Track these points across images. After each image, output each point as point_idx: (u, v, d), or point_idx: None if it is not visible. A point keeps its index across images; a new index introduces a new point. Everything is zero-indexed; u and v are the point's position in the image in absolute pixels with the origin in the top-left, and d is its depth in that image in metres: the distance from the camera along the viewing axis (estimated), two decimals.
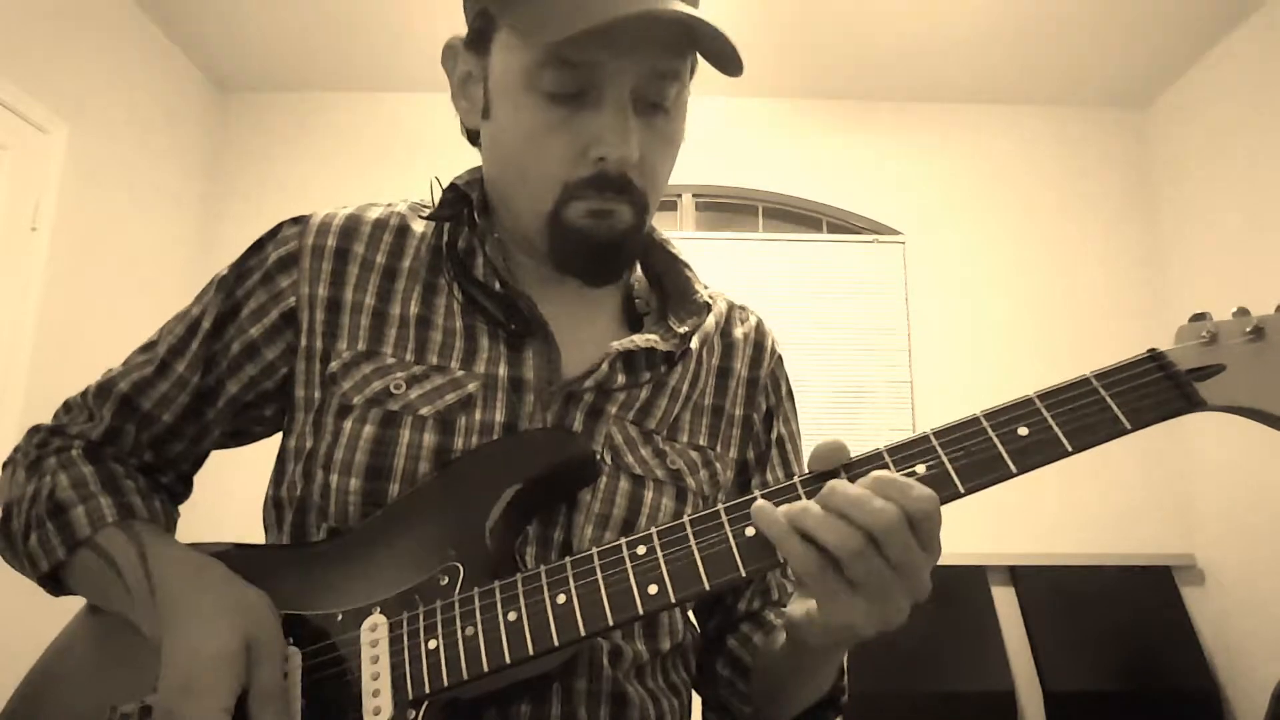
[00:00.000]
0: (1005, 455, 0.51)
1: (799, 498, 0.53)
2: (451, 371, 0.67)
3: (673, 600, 0.52)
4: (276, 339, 0.70)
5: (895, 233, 3.28)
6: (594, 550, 0.55)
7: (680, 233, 3.28)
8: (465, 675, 0.54)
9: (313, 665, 0.59)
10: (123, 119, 2.79)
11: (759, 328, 0.81)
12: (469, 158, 0.76)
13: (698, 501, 0.71)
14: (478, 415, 0.65)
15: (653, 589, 0.53)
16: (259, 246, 0.73)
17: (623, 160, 0.62)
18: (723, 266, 3.15)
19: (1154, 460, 3.00)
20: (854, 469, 0.53)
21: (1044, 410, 0.52)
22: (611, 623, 0.53)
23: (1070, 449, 0.51)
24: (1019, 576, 2.92)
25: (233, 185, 3.25)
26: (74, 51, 2.55)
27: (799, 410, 0.84)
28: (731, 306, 0.82)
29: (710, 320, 0.76)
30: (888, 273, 3.23)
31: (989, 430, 0.52)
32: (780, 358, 0.82)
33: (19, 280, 2.36)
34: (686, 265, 0.78)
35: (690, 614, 0.78)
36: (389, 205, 0.76)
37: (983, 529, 2.69)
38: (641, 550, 0.54)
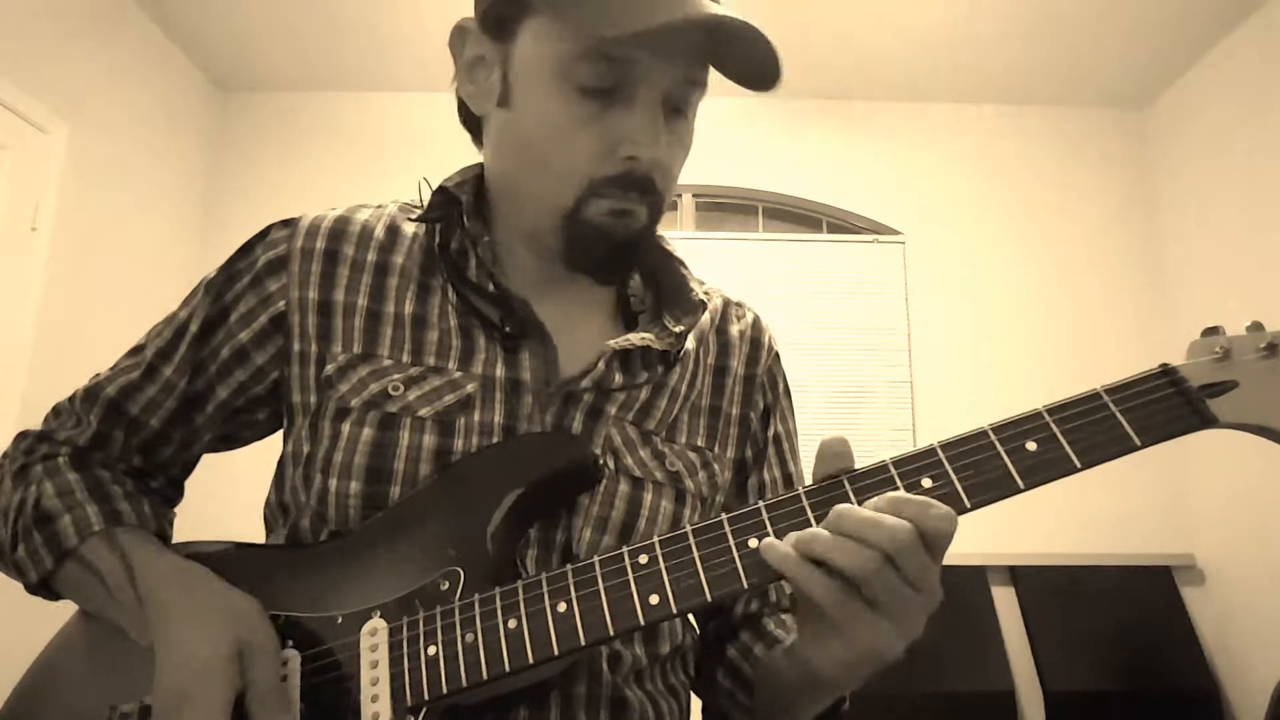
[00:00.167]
0: (1013, 471, 0.51)
1: (803, 510, 0.52)
2: (449, 372, 0.66)
3: (674, 611, 0.52)
4: (266, 344, 0.70)
5: (895, 233, 3.28)
6: (596, 559, 0.55)
7: (680, 233, 3.28)
8: (465, 683, 0.54)
9: (312, 669, 0.58)
10: (123, 119, 2.78)
11: (755, 324, 0.81)
12: (469, 158, 0.75)
13: (696, 503, 0.70)
14: (477, 416, 0.65)
15: (654, 599, 0.52)
16: (247, 249, 0.72)
17: (653, 161, 0.62)
18: (723, 266, 3.15)
19: (1154, 460, 2.98)
20: (859, 481, 0.52)
21: (1053, 425, 0.51)
22: (612, 632, 0.52)
23: (1079, 465, 0.50)
24: (1019, 576, 2.92)
25: (233, 185, 3.25)
26: (74, 51, 2.55)
27: (799, 410, 0.83)
28: (727, 303, 0.81)
29: (705, 318, 0.76)
30: (888, 273, 3.23)
31: (997, 445, 0.51)
32: (777, 354, 0.81)
33: (19, 280, 2.36)
34: (682, 263, 0.77)
35: (690, 616, 0.77)
36: (379, 206, 0.75)
37: (983, 529, 2.68)
38: (643, 559, 0.54)
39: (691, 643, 0.75)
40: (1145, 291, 3.20)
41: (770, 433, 0.79)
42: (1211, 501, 2.91)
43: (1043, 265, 3.23)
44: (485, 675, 0.53)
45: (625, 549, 0.55)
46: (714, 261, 3.14)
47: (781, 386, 0.81)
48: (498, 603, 0.55)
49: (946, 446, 0.52)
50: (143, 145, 2.90)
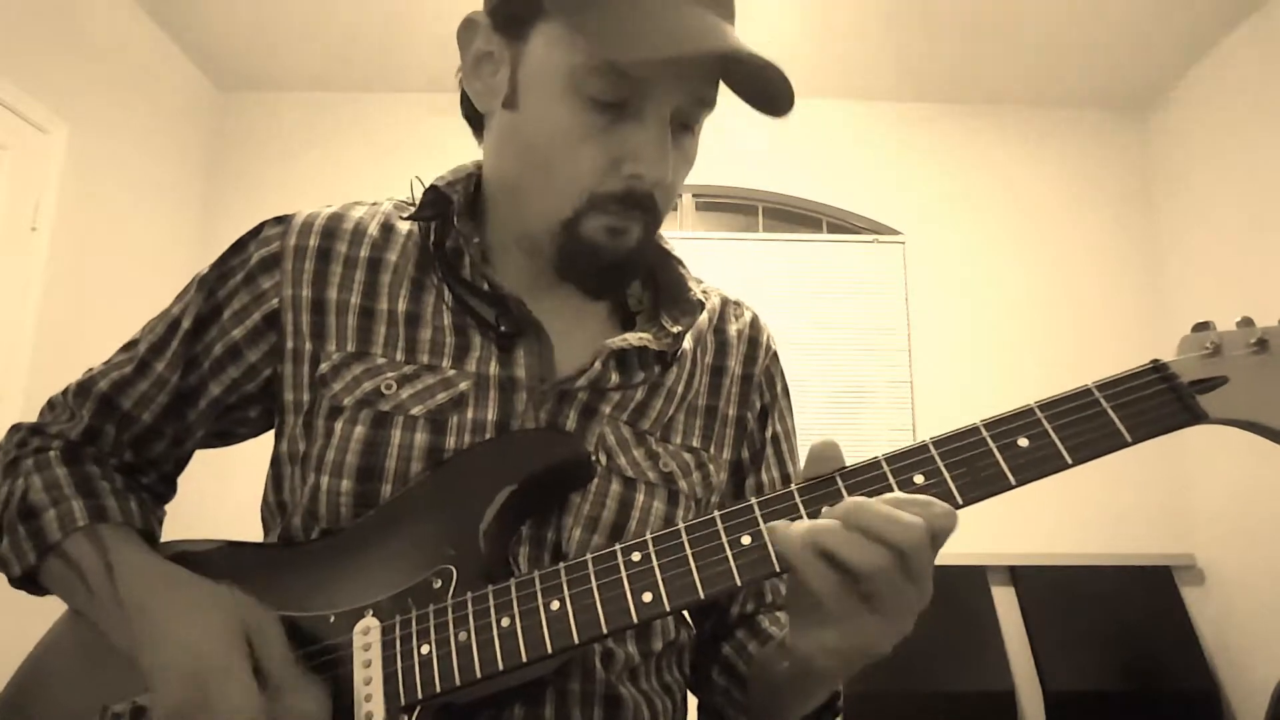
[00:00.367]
0: (1005, 467, 0.50)
1: (796, 506, 0.52)
2: (443, 371, 0.66)
3: (668, 609, 0.52)
4: (259, 341, 0.70)
5: (895, 233, 3.28)
6: (589, 556, 0.55)
7: (680, 233, 3.28)
8: (458, 682, 0.54)
9: (305, 668, 0.58)
10: (123, 119, 2.79)
11: (754, 324, 0.80)
12: (469, 157, 0.75)
13: (690, 504, 0.70)
14: (470, 414, 0.65)
15: (647, 597, 0.52)
16: (241, 246, 0.72)
17: (657, 182, 0.61)
18: (723, 266, 3.15)
19: (1154, 460, 3.00)
20: (851, 478, 0.52)
21: (1044, 421, 0.51)
22: (605, 630, 0.52)
23: (1070, 461, 0.50)
24: (1019, 576, 2.92)
25: (233, 185, 3.25)
26: (74, 51, 2.55)
27: (798, 410, 0.83)
28: (725, 302, 0.81)
29: (703, 318, 0.75)
30: (888, 273, 3.23)
31: (989, 440, 0.51)
32: (776, 354, 0.81)
33: (19, 280, 2.36)
34: (680, 263, 0.77)
35: (685, 614, 0.77)
36: (373, 204, 0.75)
37: (983, 529, 2.69)
38: (636, 557, 0.54)
39: (687, 640, 0.75)
40: (1145, 292, 3.20)
41: (768, 433, 0.78)
42: (1211, 501, 2.91)
43: (1042, 265, 3.23)
44: (479, 674, 0.53)
45: (618, 546, 0.55)
46: (714, 261, 3.15)
47: (780, 386, 0.81)
48: (491, 601, 0.55)
49: (939, 443, 0.52)
50: (143, 145, 2.90)
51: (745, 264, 3.20)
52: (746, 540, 0.52)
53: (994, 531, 2.78)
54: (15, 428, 0.73)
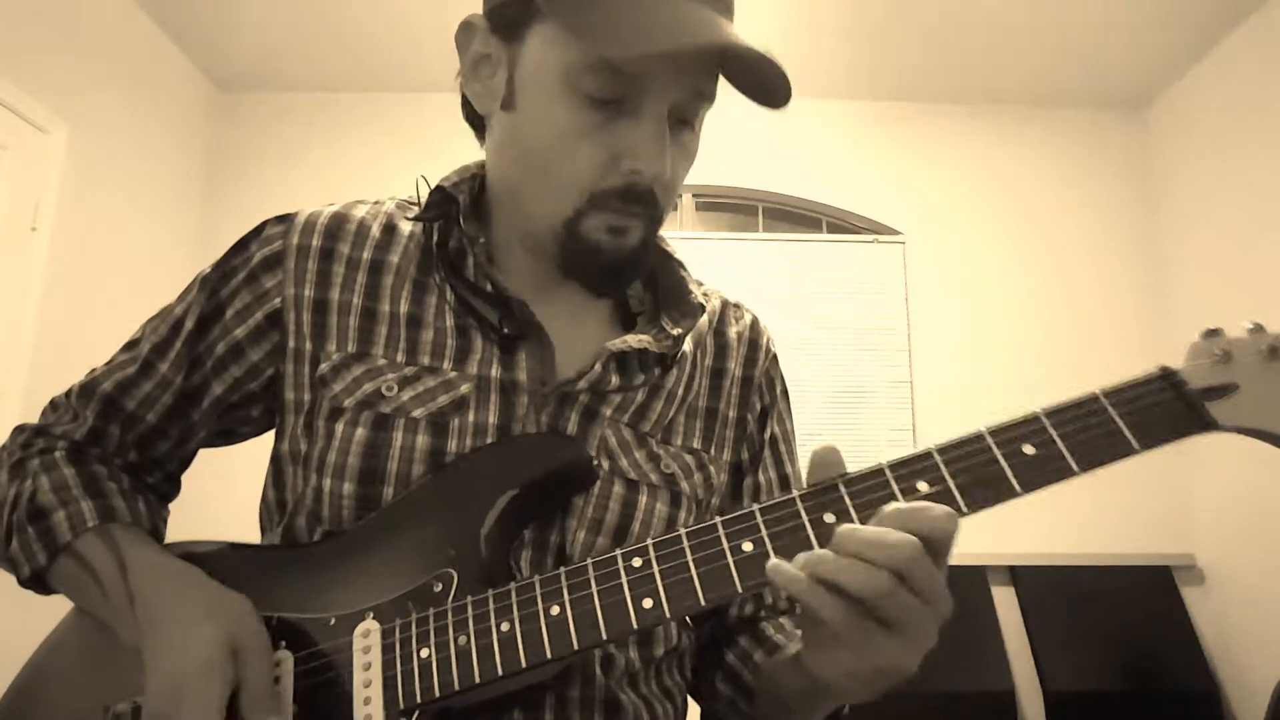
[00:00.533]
0: (1010, 476, 0.50)
1: (798, 513, 0.52)
2: (444, 373, 0.66)
3: (668, 615, 0.52)
4: (262, 340, 0.69)
5: (895, 233, 3.28)
6: (589, 561, 0.55)
7: (680, 233, 3.28)
8: (457, 686, 0.53)
9: (305, 670, 0.58)
10: (123, 119, 2.78)
11: (754, 326, 0.80)
12: (469, 158, 0.75)
13: (691, 506, 0.70)
14: (471, 416, 0.64)
15: (648, 603, 0.52)
16: (243, 245, 0.72)
17: (656, 177, 0.61)
18: (723, 266, 3.15)
19: (1154, 461, 2.93)
20: (854, 485, 0.52)
21: (1051, 429, 0.50)
22: (605, 636, 0.52)
23: (1077, 470, 0.49)
24: (1019, 576, 2.92)
25: (233, 185, 3.25)
26: (74, 51, 2.55)
27: (798, 410, 0.83)
28: (725, 304, 0.80)
29: (703, 320, 0.75)
30: (888, 273, 3.23)
31: (994, 448, 0.50)
32: (775, 356, 0.81)
33: (19, 280, 2.36)
34: (681, 264, 0.76)
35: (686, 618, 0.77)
36: (376, 203, 0.74)
37: (983, 529, 2.68)
38: (637, 563, 0.53)
39: (688, 644, 0.74)
40: (1145, 291, 3.19)
41: (767, 434, 0.78)
42: (1211, 502, 2.91)
43: (1043, 265, 3.23)
44: (478, 679, 0.53)
45: (619, 552, 0.54)
46: (714, 261, 3.14)
47: (779, 388, 0.81)
48: (490, 605, 0.55)
49: (943, 450, 0.51)
50: (143, 145, 2.90)
51: (745, 264, 3.20)
52: (748, 547, 0.52)
53: (994, 531, 2.77)
54: (19, 429, 0.73)
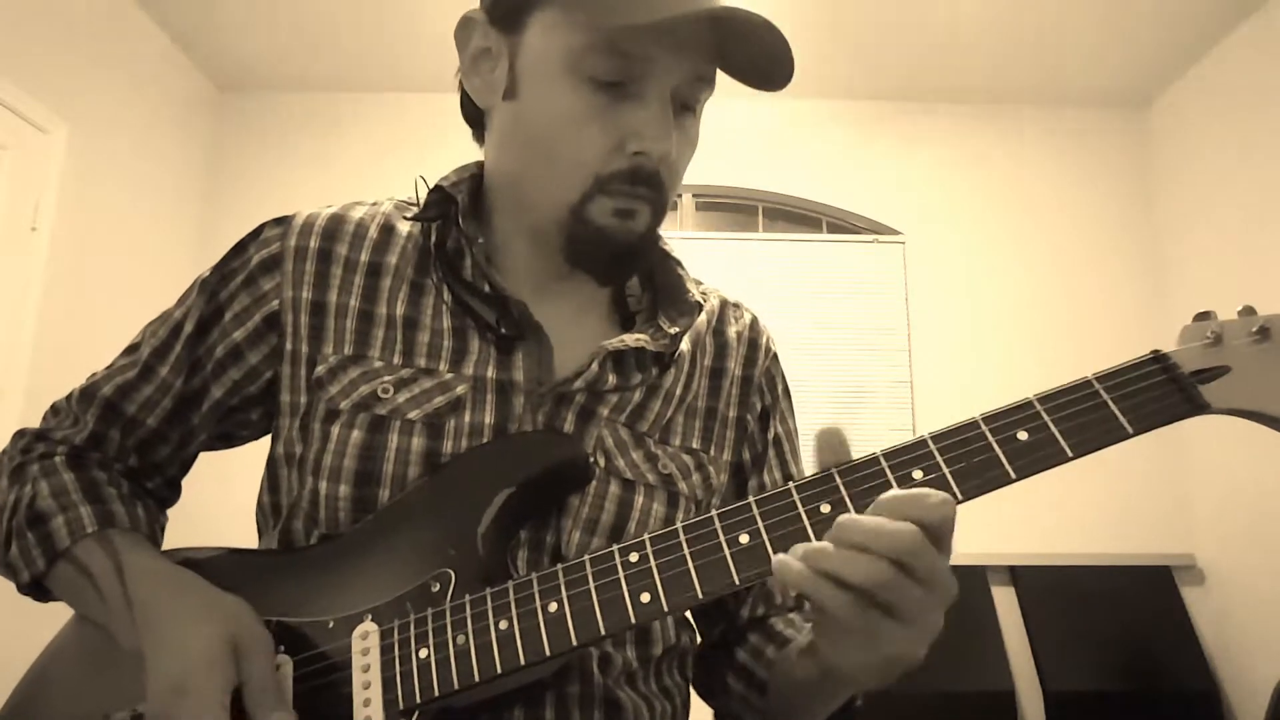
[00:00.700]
0: (1004, 461, 0.50)
1: (794, 504, 0.52)
2: (440, 374, 0.66)
3: (666, 609, 0.52)
4: (260, 343, 0.69)
5: (895, 233, 3.28)
6: (586, 558, 0.55)
7: (680, 233, 3.28)
8: (456, 685, 0.53)
9: (304, 673, 0.58)
10: (123, 119, 2.78)
11: (753, 325, 0.80)
12: (469, 158, 0.75)
13: (690, 506, 0.70)
14: (467, 418, 0.64)
15: (645, 597, 0.52)
16: (241, 248, 0.72)
17: (663, 158, 0.61)
18: (723, 266, 3.15)
19: (1154, 460, 3.00)
20: (850, 474, 0.52)
21: (1044, 414, 0.51)
22: (604, 632, 0.52)
23: (1071, 454, 0.49)
24: (1019, 576, 2.92)
25: (233, 185, 3.25)
26: (74, 51, 2.55)
27: (799, 410, 0.83)
28: (724, 304, 0.80)
29: (701, 319, 0.75)
30: (888, 273, 3.23)
31: (988, 434, 0.51)
32: (775, 355, 0.81)
33: (19, 280, 2.36)
34: (679, 263, 0.76)
35: (689, 617, 0.77)
36: (374, 204, 0.74)
37: (983, 529, 2.69)
38: (634, 558, 0.53)
39: (688, 644, 0.74)
40: (1145, 291, 3.20)
41: (770, 435, 0.78)
42: (1211, 501, 2.91)
43: (1042, 265, 3.23)
44: (477, 677, 0.53)
45: (616, 547, 0.54)
46: (714, 261, 3.14)
47: (780, 387, 0.80)
48: (489, 604, 0.55)
49: (937, 438, 0.51)
50: (143, 145, 2.90)
51: (745, 264, 3.20)
52: (744, 539, 0.52)
53: (994, 531, 2.78)
54: (20, 433, 0.73)
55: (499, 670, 0.53)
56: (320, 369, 0.67)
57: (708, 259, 3.14)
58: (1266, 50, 2.74)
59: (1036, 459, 0.50)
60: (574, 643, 0.52)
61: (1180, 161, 3.15)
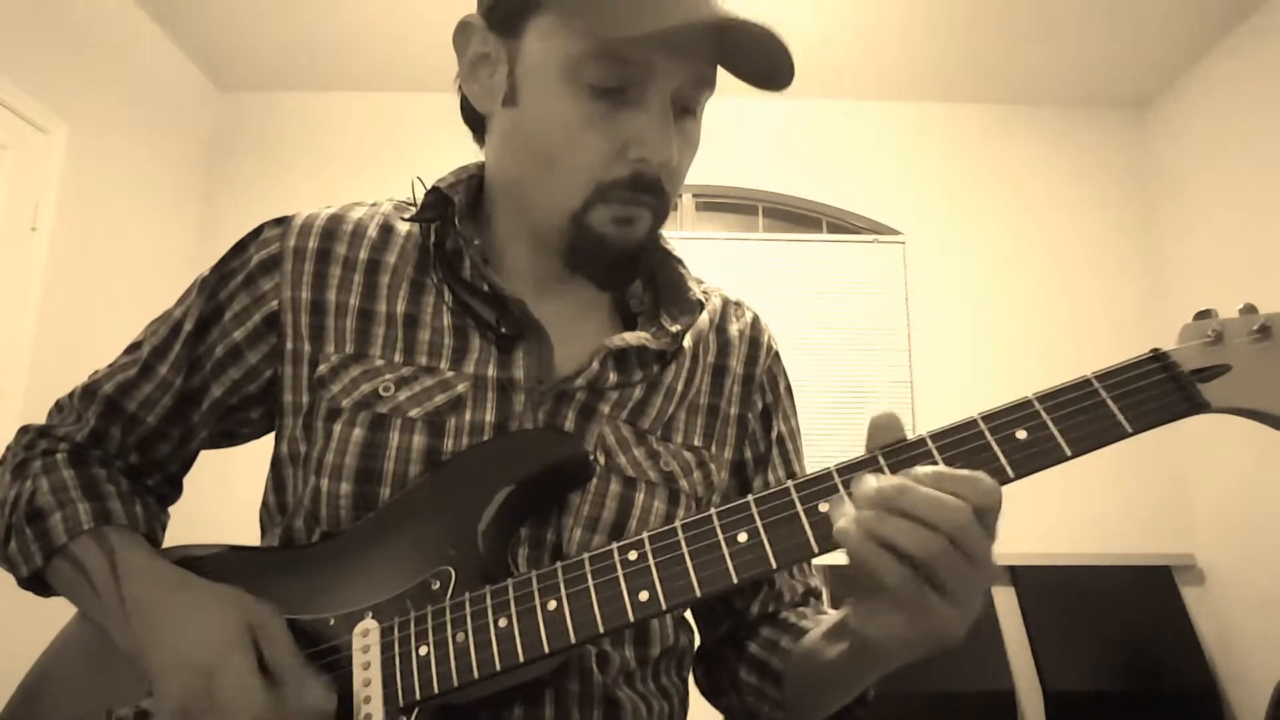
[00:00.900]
0: (1003, 460, 0.50)
1: (792, 503, 0.52)
2: (441, 372, 0.66)
3: (664, 607, 0.52)
4: (259, 342, 0.70)
5: (895, 233, 3.28)
6: (585, 556, 0.55)
7: (680, 233, 3.28)
8: (456, 682, 0.54)
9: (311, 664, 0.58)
10: (123, 119, 2.79)
11: (755, 324, 0.80)
12: (469, 158, 0.75)
13: (691, 504, 0.70)
14: (468, 416, 0.64)
15: (644, 595, 0.52)
16: (241, 248, 0.72)
17: (663, 164, 0.61)
18: (723, 266, 3.15)
19: (1154, 460, 3.00)
20: (847, 473, 0.52)
21: (1043, 413, 0.50)
22: (602, 630, 0.52)
23: (1070, 453, 0.49)
24: (1019, 576, 2.92)
25: (232, 185, 3.25)
26: (74, 51, 2.55)
27: (799, 410, 0.83)
28: (727, 303, 0.80)
29: (704, 317, 0.75)
30: (888, 273, 3.23)
31: (986, 433, 0.51)
32: (777, 354, 0.81)
33: (19, 280, 2.36)
34: (680, 262, 0.76)
35: (690, 618, 0.77)
36: (373, 204, 0.74)
37: None
38: (633, 556, 0.53)
39: (686, 644, 0.74)
40: (1145, 291, 3.20)
41: (773, 434, 0.78)
42: (1212, 501, 2.91)
43: (1042, 265, 3.23)
44: (476, 674, 0.53)
45: (614, 545, 0.54)
46: (714, 261, 3.14)
47: (782, 386, 0.80)
48: (488, 601, 0.55)
49: (936, 436, 0.51)
50: (143, 145, 2.90)
51: (745, 264, 3.20)
52: (743, 538, 0.52)
53: None
54: (24, 430, 0.73)
55: (498, 667, 0.53)
56: (322, 368, 0.67)
57: (708, 259, 3.14)
58: (1266, 51, 2.74)
59: (1035, 457, 0.50)
60: (573, 640, 0.52)
61: (1180, 162, 3.15)
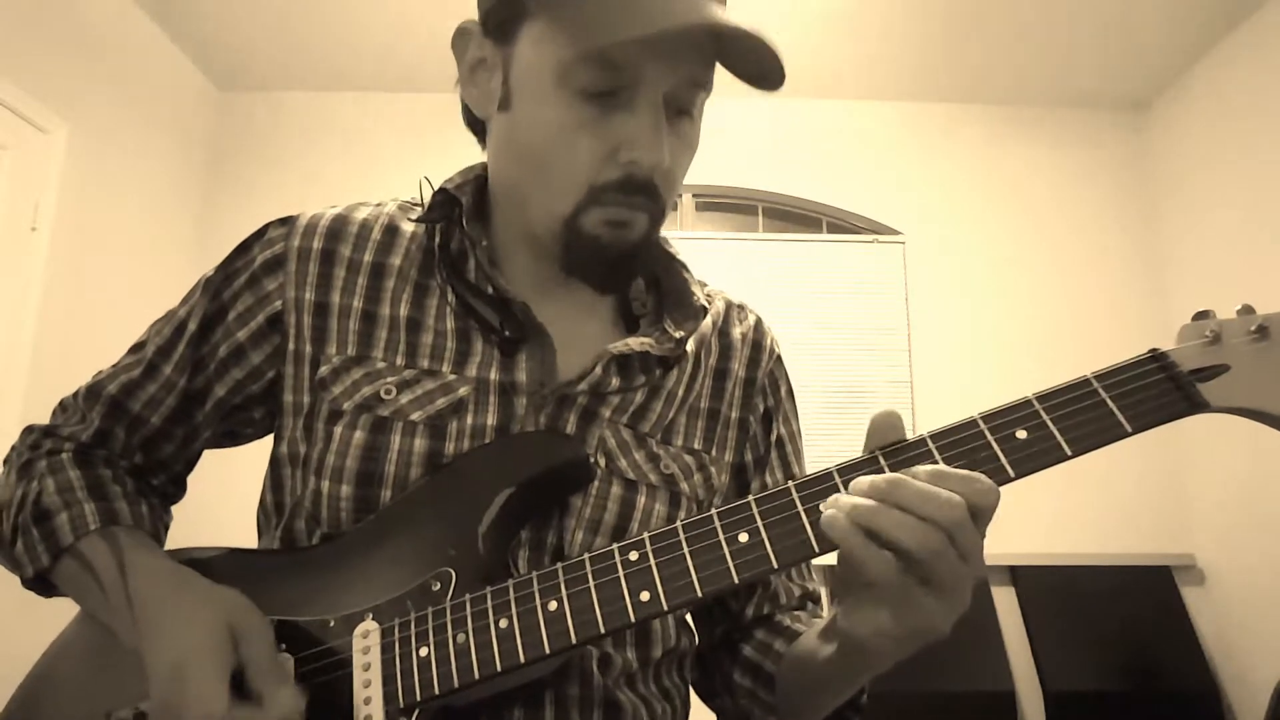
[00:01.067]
0: (1003, 459, 0.50)
1: (793, 503, 0.52)
2: (443, 375, 0.66)
3: (665, 608, 0.52)
4: (263, 343, 0.70)
5: (895, 233, 3.28)
6: (586, 556, 0.55)
7: (680, 233, 3.28)
8: (456, 683, 0.54)
9: (305, 672, 0.58)
10: (123, 119, 2.79)
11: (758, 327, 0.80)
12: (471, 157, 0.75)
13: (691, 506, 0.70)
14: (469, 419, 0.64)
15: (644, 596, 0.52)
16: (245, 248, 0.72)
17: (655, 166, 0.61)
18: (723, 266, 3.15)
19: (1154, 460, 3.00)
20: (848, 474, 0.52)
21: (1043, 413, 0.51)
22: (603, 630, 0.52)
23: (1069, 453, 0.50)
24: (1019, 576, 2.92)
25: (232, 185, 3.25)
26: (74, 51, 2.55)
27: (799, 411, 0.83)
28: (730, 305, 0.80)
29: (707, 322, 0.75)
30: (888, 273, 3.23)
31: (986, 433, 0.51)
32: (779, 357, 0.81)
33: (19, 280, 2.36)
34: (684, 266, 0.76)
35: (689, 619, 0.77)
36: (378, 205, 0.74)
37: None
38: (634, 556, 0.53)
39: (688, 646, 0.74)
40: (1144, 291, 3.20)
41: (773, 436, 0.78)
42: (1212, 501, 2.91)
43: (1042, 265, 3.23)
44: (477, 675, 0.53)
45: (615, 546, 0.54)
46: (714, 261, 3.14)
47: (784, 389, 0.80)
48: (489, 602, 0.55)
49: (936, 436, 0.51)
50: (143, 145, 2.90)
51: (745, 264, 3.20)
52: (744, 538, 0.52)
53: (994, 531, 2.73)
54: (28, 429, 0.74)
55: (499, 668, 0.53)
56: (323, 369, 0.67)
57: (708, 259, 3.14)
58: (1265, 51, 2.74)
59: (1035, 457, 0.50)
60: (573, 641, 0.52)
61: (1180, 162, 3.15)
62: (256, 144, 3.32)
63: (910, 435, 0.52)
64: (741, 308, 0.81)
